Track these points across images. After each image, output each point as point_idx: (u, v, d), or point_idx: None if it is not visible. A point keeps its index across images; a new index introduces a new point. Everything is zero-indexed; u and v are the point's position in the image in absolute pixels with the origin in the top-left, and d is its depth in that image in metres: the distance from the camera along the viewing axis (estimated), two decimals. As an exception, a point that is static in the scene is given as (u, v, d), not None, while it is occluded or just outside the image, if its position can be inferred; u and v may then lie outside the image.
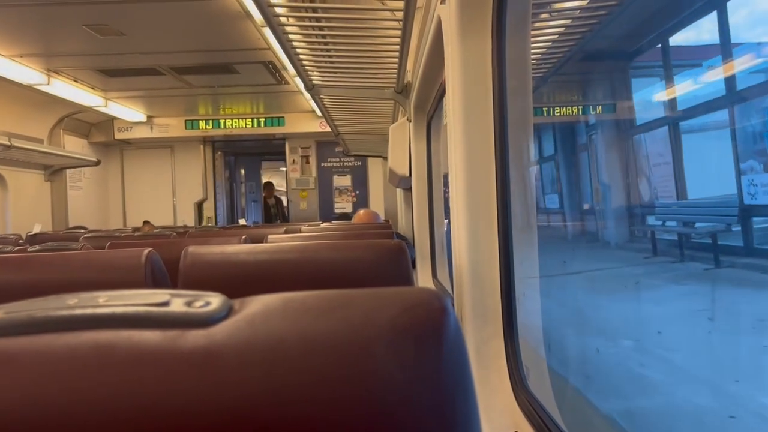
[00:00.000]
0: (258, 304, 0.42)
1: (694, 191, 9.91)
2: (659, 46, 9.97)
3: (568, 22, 2.83)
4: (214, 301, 0.42)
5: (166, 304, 0.42)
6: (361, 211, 5.08)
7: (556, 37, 2.96)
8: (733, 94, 8.08)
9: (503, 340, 1.39)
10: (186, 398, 0.38)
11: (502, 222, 1.53)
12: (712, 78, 8.92)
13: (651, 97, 11.56)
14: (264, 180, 17.36)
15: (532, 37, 2.84)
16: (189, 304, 0.42)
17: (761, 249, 7.52)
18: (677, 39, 9.78)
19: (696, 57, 9.86)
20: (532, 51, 3.04)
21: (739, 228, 7.77)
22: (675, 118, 9.97)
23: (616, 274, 8.95)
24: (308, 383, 0.38)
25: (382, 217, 6.39)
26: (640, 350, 4.87)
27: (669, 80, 10.11)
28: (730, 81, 8.03)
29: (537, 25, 2.81)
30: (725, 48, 7.93)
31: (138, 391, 0.38)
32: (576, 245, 12.61)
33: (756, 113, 7.69)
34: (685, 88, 9.91)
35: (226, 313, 0.42)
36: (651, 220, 10.82)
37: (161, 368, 0.38)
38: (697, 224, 8.96)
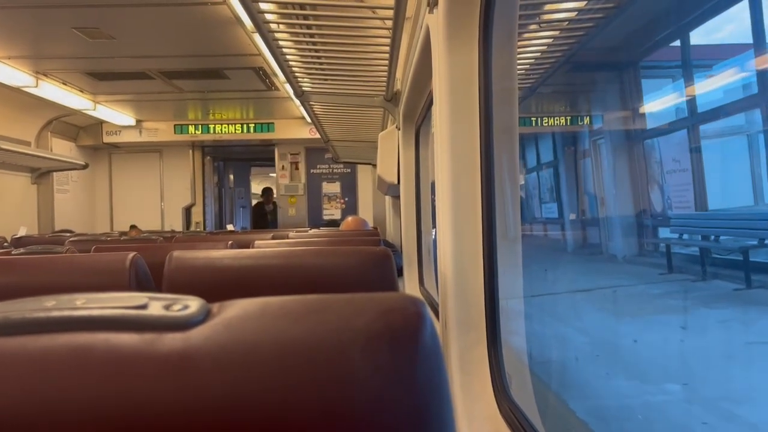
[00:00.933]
0: (236, 308, 0.43)
1: (716, 202, 9.08)
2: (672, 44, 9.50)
3: (556, 33, 2.86)
4: (193, 304, 0.43)
5: (144, 307, 0.42)
6: (350, 218, 5.09)
7: (545, 48, 2.98)
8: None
9: (486, 348, 1.40)
10: (162, 401, 0.38)
11: (486, 230, 1.54)
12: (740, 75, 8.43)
13: (663, 98, 11.02)
14: (254, 185, 17.31)
15: (521, 47, 2.86)
16: (167, 307, 0.42)
17: None
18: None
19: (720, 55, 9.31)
20: (521, 61, 3.07)
21: None
22: (692, 121, 9.26)
23: (632, 293, 7.84)
24: (283, 386, 0.39)
25: (371, 224, 6.40)
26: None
27: (688, 79, 9.40)
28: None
29: (526, 35, 2.83)
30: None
31: (114, 393, 0.38)
32: (579, 259, 12.03)
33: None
34: (707, 86, 9.32)
35: (204, 316, 0.42)
36: (664, 233, 9.80)
37: (137, 371, 0.39)
38: (722, 238, 8.09)
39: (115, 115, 9.46)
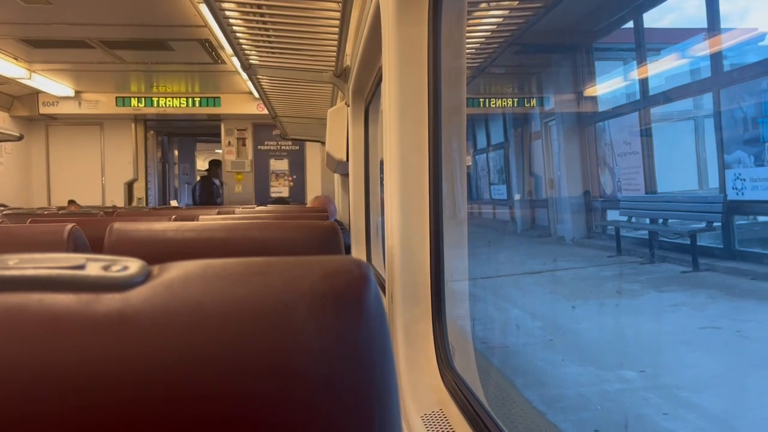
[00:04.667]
0: (178, 269, 0.42)
1: (667, 184, 9.15)
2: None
3: (506, 12, 2.88)
4: (133, 265, 0.42)
5: (81, 267, 0.41)
6: (315, 197, 5.04)
7: (495, 27, 3.00)
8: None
9: (431, 322, 1.42)
10: (100, 362, 0.37)
11: (433, 208, 1.56)
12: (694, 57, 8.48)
13: (615, 80, 11.08)
14: (199, 161, 16.94)
15: (471, 26, 2.88)
16: (106, 268, 0.41)
17: (746, 251, 6.86)
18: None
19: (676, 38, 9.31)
20: (471, 41, 3.08)
21: (720, 226, 7.08)
22: (645, 103, 9.29)
23: (583, 276, 7.83)
24: (225, 348, 0.39)
25: (338, 205, 6.32)
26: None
27: (640, 60, 9.37)
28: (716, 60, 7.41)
29: (476, 14, 2.85)
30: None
31: (48, 354, 0.37)
32: (528, 241, 12.08)
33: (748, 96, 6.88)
34: (660, 68, 9.36)
35: (144, 277, 0.41)
36: (614, 215, 9.90)
37: (74, 332, 0.38)
38: (670, 221, 8.24)
39: (53, 85, 9.07)
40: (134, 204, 10.83)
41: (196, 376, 0.38)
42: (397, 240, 1.54)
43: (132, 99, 10.12)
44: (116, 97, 10.10)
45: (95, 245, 1.46)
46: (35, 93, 9.63)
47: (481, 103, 11.42)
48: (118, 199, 10.70)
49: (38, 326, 0.38)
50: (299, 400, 0.39)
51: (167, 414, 0.37)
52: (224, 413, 0.37)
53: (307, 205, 4.86)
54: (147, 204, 11.01)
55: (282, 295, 0.41)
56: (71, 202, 9.10)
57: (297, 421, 0.39)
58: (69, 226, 1.32)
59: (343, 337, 0.41)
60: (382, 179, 3.96)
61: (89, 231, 1.56)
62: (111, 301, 0.39)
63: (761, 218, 7.60)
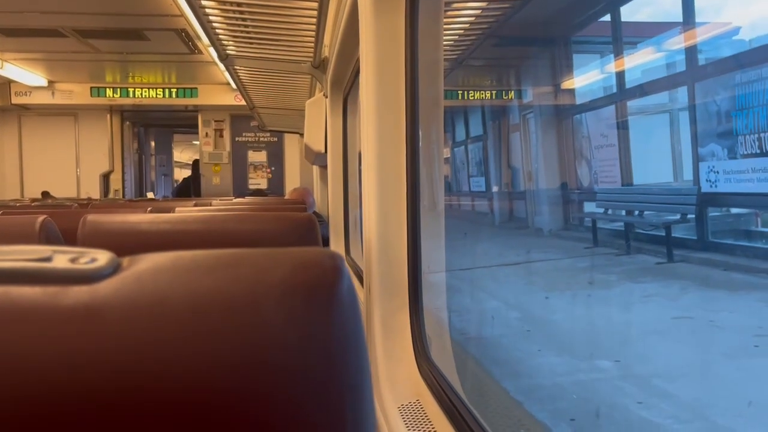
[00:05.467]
0: (147, 261, 0.42)
1: (643, 177, 9.22)
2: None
3: (484, 4, 2.89)
4: (101, 257, 0.41)
5: (48, 259, 0.40)
6: (293, 188, 5.02)
7: (473, 19, 3.01)
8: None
9: (408, 313, 1.42)
10: (67, 355, 0.37)
11: (411, 199, 1.56)
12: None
13: (593, 73, 11.13)
14: (177, 153, 16.78)
15: (449, 18, 2.88)
16: (73, 260, 0.41)
17: (719, 243, 6.96)
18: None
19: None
20: (449, 33, 3.09)
21: (693, 218, 7.19)
22: (622, 96, 9.33)
23: (559, 267, 7.85)
24: (195, 340, 0.38)
25: (317, 197, 6.28)
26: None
27: (617, 54, 9.44)
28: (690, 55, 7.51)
29: (454, 5, 2.85)
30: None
31: (14, 346, 0.37)
32: (506, 233, 12.11)
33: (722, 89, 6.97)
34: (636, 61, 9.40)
35: (113, 270, 0.41)
36: (590, 207, 9.99)
37: (40, 324, 0.37)
38: (646, 213, 8.33)
39: (25, 74, 8.90)
40: (111, 196, 10.69)
41: (165, 368, 0.38)
42: (374, 232, 1.54)
43: (107, 89, 9.97)
44: (91, 87, 9.94)
45: (68, 238, 1.44)
46: (7, 83, 9.46)
47: (460, 95, 11.43)
48: (93, 191, 10.55)
49: (3, 319, 0.37)
50: (269, 392, 0.39)
51: (135, 406, 0.37)
52: (193, 405, 0.37)
53: (286, 197, 4.83)
54: (123, 196, 10.88)
55: (251, 287, 0.41)
56: (45, 194, 8.96)
57: (267, 413, 0.39)
58: (41, 218, 1.30)
59: (315, 330, 0.41)
60: (360, 171, 3.96)
61: (62, 223, 1.54)
62: (78, 293, 0.38)
63: (734, 210, 7.74)
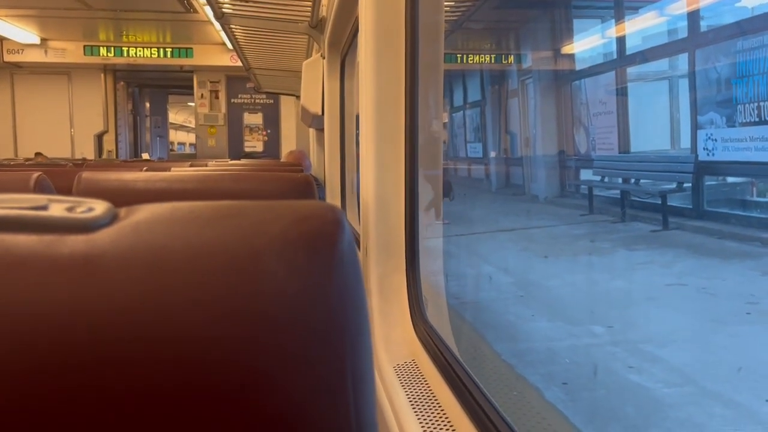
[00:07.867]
0: (145, 211, 0.41)
1: (640, 144, 9.17)
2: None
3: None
4: (98, 207, 0.40)
5: (44, 208, 0.39)
6: (289, 151, 4.99)
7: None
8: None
9: (405, 275, 1.43)
10: (62, 303, 0.36)
11: (409, 162, 1.55)
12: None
13: (593, 38, 10.97)
14: (172, 114, 16.63)
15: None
16: (70, 209, 0.40)
17: (714, 211, 6.97)
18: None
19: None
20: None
21: (690, 186, 7.18)
22: (621, 63, 9.23)
23: (555, 234, 7.92)
24: (193, 291, 0.38)
25: (314, 161, 6.25)
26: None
27: (618, 19, 9.26)
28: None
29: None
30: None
31: (8, 296, 0.36)
32: (502, 199, 12.10)
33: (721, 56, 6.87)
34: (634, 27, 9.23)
35: (110, 219, 0.40)
36: (587, 175, 9.93)
37: (35, 273, 0.37)
38: (642, 181, 8.32)
39: (16, 31, 8.75)
40: (105, 156, 10.63)
41: (162, 318, 0.37)
42: (372, 194, 1.54)
43: (101, 48, 9.82)
44: (84, 46, 9.79)
45: (63, 195, 1.43)
46: (-1, 40, 9.31)
47: (459, 58, 11.30)
48: (88, 152, 10.48)
49: (-1, 267, 0.37)
50: (269, 344, 0.39)
51: (131, 357, 0.36)
52: (190, 356, 0.37)
53: (282, 160, 4.81)
54: (117, 157, 10.82)
55: (251, 239, 0.40)
56: (38, 154, 8.89)
57: (267, 365, 0.39)
58: (36, 174, 1.29)
59: (316, 282, 0.40)
60: (357, 134, 3.93)
61: (57, 181, 1.52)
62: (75, 242, 0.38)
63: (730, 179, 7.74)
